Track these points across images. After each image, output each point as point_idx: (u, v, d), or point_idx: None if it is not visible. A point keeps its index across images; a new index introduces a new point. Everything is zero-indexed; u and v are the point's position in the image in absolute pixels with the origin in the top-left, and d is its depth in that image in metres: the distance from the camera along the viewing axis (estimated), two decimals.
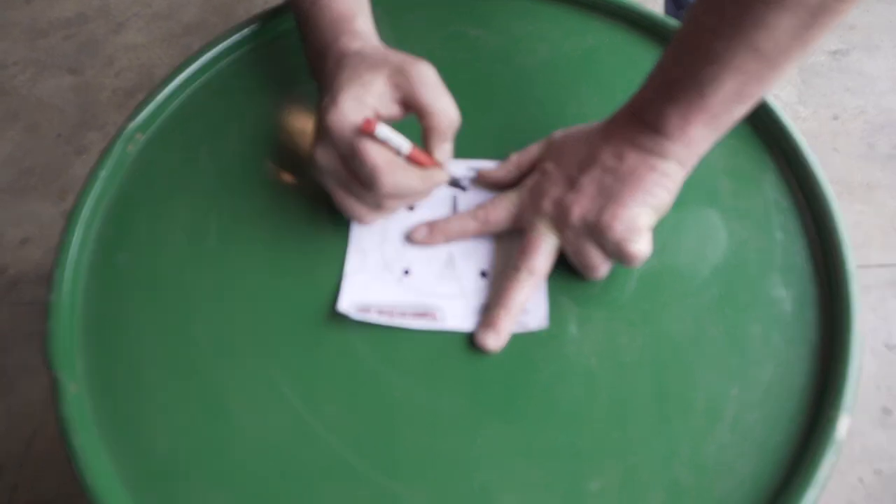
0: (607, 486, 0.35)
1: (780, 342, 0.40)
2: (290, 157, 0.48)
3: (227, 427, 0.38)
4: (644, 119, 0.39)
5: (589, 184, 0.40)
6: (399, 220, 0.45)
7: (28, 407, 1.01)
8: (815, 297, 0.41)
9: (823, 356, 0.39)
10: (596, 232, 0.39)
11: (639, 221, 0.39)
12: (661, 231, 0.41)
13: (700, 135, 0.38)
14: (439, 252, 0.43)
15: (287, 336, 0.41)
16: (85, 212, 0.45)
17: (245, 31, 0.55)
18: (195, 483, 0.36)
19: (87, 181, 0.46)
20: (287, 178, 0.47)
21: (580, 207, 0.40)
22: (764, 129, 0.48)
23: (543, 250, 0.41)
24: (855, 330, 0.39)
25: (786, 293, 0.41)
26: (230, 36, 0.54)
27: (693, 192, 0.45)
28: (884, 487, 0.95)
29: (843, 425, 0.36)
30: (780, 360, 0.39)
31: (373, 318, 0.40)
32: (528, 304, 0.41)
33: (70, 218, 0.44)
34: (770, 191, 0.46)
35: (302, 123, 0.50)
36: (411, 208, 0.45)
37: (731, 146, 0.48)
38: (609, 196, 0.39)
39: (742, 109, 0.38)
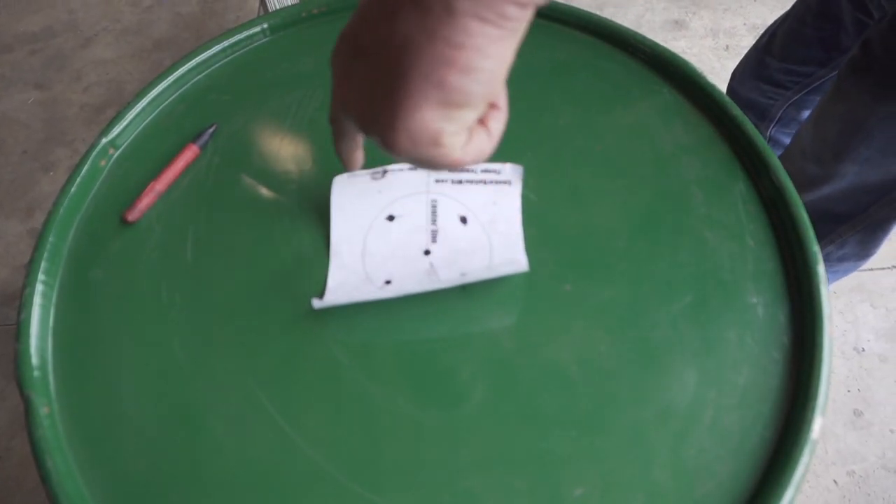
0: (589, 491, 0.36)
1: (754, 346, 0.40)
2: (266, 171, 0.48)
3: (206, 445, 0.37)
4: None
5: (357, 72, 0.28)
6: (379, 234, 0.45)
7: None
8: (787, 301, 0.42)
9: (796, 359, 0.40)
10: (384, 148, 0.29)
11: (429, 131, 0.27)
12: (639, 240, 0.42)
13: None
14: (421, 263, 0.43)
15: (266, 350, 0.40)
16: (56, 227, 0.44)
17: (217, 47, 0.55)
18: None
19: (59, 196, 0.45)
20: (264, 191, 0.47)
21: (354, 110, 0.30)
22: (733, 139, 0.50)
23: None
24: (825, 333, 0.39)
25: (758, 298, 0.42)
26: (203, 51, 0.54)
27: (667, 202, 0.46)
28: (857, 488, 0.97)
29: (817, 425, 0.36)
30: (754, 364, 0.40)
31: (356, 296, 0.40)
32: (506, 250, 0.41)
33: (41, 233, 0.44)
34: (741, 200, 0.47)
35: (276, 138, 0.50)
36: (391, 218, 0.45)
37: (703, 157, 0.49)
38: (379, 92, 0.27)
39: None
